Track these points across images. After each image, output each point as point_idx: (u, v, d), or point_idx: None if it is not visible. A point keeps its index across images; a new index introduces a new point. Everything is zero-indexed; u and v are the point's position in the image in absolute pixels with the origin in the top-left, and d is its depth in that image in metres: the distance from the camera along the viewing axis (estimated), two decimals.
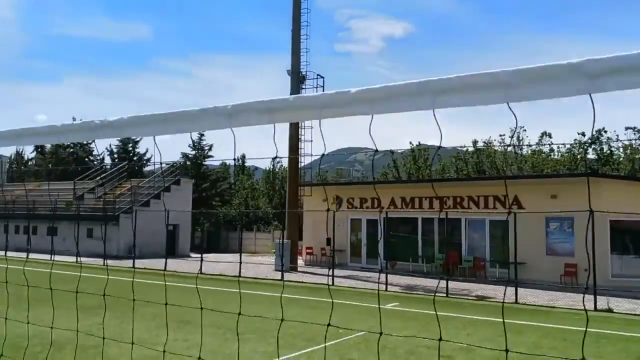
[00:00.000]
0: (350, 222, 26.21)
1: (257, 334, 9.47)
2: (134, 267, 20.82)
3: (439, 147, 1.56)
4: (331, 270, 19.59)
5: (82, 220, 30.25)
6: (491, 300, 15.85)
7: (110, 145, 52.27)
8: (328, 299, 14.53)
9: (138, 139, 51.31)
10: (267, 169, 48.82)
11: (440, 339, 2.13)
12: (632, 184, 22.63)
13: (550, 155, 37.20)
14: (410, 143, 41.21)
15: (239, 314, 2.46)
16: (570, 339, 10.21)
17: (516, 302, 15.13)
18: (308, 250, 27.26)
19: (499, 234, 21.88)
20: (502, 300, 15.44)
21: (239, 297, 13.81)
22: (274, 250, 26.93)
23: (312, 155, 25.76)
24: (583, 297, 15.83)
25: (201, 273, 21.44)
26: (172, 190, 33.80)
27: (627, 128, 35.88)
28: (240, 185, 48.62)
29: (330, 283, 18.53)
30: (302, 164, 26.57)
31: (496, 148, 38.18)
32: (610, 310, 13.98)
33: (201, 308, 2.80)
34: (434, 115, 1.48)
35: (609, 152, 35.86)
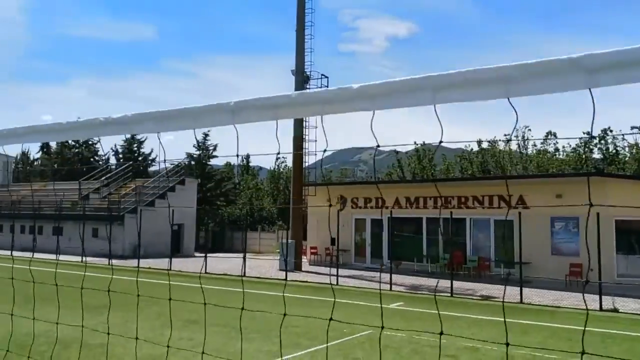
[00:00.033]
0: (354, 221, 26.21)
1: (261, 333, 9.50)
2: (138, 266, 20.89)
3: (440, 142, 1.57)
4: (335, 269, 19.61)
5: (87, 220, 30.37)
6: (496, 300, 15.82)
7: (115, 146, 52.44)
8: (332, 299, 14.53)
9: (143, 139, 51.54)
10: (272, 168, 48.87)
11: (441, 333, 2.14)
12: (638, 183, 22.53)
13: (555, 155, 37.10)
14: (415, 143, 41.16)
15: (242, 308, 2.47)
16: (575, 339, 10.17)
17: (521, 302, 15.09)
18: (312, 250, 27.27)
19: (503, 234, 21.83)
20: (507, 300, 15.41)
21: (243, 295, 13.84)
22: (278, 250, 26.97)
23: (315, 154, 25.77)
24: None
25: (205, 272, 21.49)
26: (177, 190, 33.89)
27: (632, 127, 35.79)
28: (244, 185, 48.69)
29: (335, 282, 18.54)
30: (307, 164, 26.59)
31: (500, 148, 38.08)
32: (615, 310, 13.93)
33: (204, 303, 2.82)
34: (435, 110, 1.49)
35: (614, 151, 35.74)
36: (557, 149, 37.24)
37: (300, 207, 26.04)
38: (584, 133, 35.99)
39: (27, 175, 52.13)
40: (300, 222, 26.07)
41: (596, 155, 36.23)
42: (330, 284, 17.69)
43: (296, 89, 25.19)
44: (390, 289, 17.39)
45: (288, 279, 19.98)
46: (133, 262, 23.64)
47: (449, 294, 16.19)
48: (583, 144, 35.86)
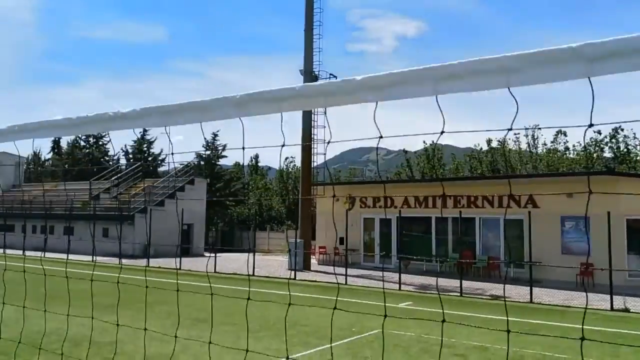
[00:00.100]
0: (363, 221, 26.19)
1: (271, 331, 9.53)
2: (147, 265, 21.03)
3: (442, 133, 1.58)
4: (344, 269, 19.62)
5: (98, 220, 30.61)
6: (506, 299, 15.74)
7: (125, 146, 52.79)
8: (341, 298, 14.54)
9: (153, 139, 51.85)
10: (281, 168, 48.99)
11: (443, 321, 2.15)
12: None
13: (566, 154, 36.86)
14: (424, 142, 41.09)
15: (248, 298, 2.49)
16: (586, 339, 10.11)
17: (531, 301, 15.02)
18: (321, 250, 27.29)
19: (513, 233, 21.72)
20: (516, 300, 15.34)
21: (250, 293, 13.88)
22: (287, 250, 27.00)
23: (325, 153, 25.77)
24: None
25: (215, 272, 21.58)
26: (187, 189, 34.06)
27: None
28: (253, 185, 48.84)
29: (343, 282, 18.54)
30: (315, 164, 26.61)
31: (510, 147, 37.89)
32: (627, 310, 13.83)
33: (211, 293, 2.84)
34: (437, 101, 1.50)
35: (625, 150, 35.44)
36: (567, 148, 37.02)
37: (309, 208, 26.08)
38: (595, 132, 35.75)
39: (38, 176, 52.61)
40: (309, 222, 26.11)
41: (607, 154, 35.96)
42: (337, 283, 17.71)
43: None
44: (400, 289, 17.37)
45: (297, 278, 20.02)
46: (143, 262, 23.80)
47: (459, 294, 16.14)
48: (594, 143, 35.60)
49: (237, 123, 2.04)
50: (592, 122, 1.31)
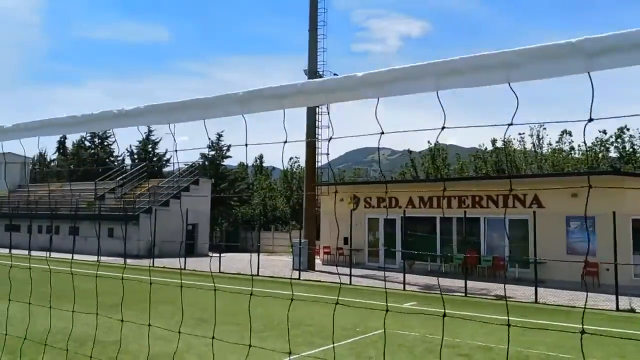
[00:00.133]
0: (367, 221, 26.18)
1: (275, 331, 9.55)
2: (152, 265, 21.09)
3: (443, 128, 1.58)
4: (349, 269, 19.62)
5: (103, 220, 30.73)
6: (510, 299, 15.71)
7: (130, 147, 52.92)
8: (345, 298, 14.54)
9: (158, 139, 51.97)
10: (284, 168, 49.00)
11: (444, 315, 2.16)
12: None
13: (571, 153, 36.72)
14: (429, 142, 41.01)
15: (251, 294, 2.50)
16: (591, 339, 10.08)
17: (536, 301, 14.98)
18: (325, 250, 27.29)
19: (518, 233, 21.66)
20: (521, 300, 15.30)
21: (254, 293, 13.89)
22: (292, 250, 27.02)
23: (328, 153, 25.76)
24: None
25: (219, 272, 21.61)
26: (191, 190, 34.14)
27: None
28: (258, 185, 48.88)
29: (348, 282, 18.55)
30: (319, 164, 26.61)
31: (515, 147, 37.77)
32: (632, 311, 13.77)
33: (214, 289, 2.85)
34: (437, 96, 1.51)
35: (631, 149, 35.28)
36: (572, 148, 36.87)
37: (313, 208, 26.07)
38: (599, 131, 35.61)
39: (44, 176, 52.82)
40: (314, 222, 26.11)
41: (613, 153, 35.79)
42: (339, 283, 17.71)
43: None
44: (404, 289, 17.35)
45: (301, 278, 20.03)
46: (148, 262, 23.88)
47: (463, 294, 16.11)
48: (599, 143, 35.44)
49: (240, 122, 2.05)
50: (592, 117, 1.32)
